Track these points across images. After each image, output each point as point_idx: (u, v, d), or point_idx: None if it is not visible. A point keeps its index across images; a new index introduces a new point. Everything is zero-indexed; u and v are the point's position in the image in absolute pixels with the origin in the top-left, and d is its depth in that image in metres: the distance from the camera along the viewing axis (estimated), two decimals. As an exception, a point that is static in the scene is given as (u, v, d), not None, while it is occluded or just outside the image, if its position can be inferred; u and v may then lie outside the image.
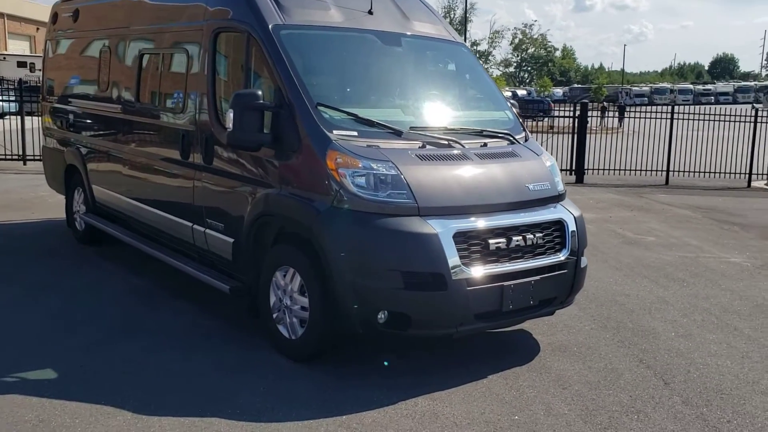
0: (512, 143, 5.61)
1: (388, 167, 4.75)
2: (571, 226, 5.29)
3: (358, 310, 4.63)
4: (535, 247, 5.03)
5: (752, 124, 16.49)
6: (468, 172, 5.04)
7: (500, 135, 5.62)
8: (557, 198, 5.43)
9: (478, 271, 4.69)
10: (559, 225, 5.23)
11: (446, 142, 5.20)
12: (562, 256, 5.16)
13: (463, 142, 5.29)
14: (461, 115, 5.87)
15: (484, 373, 4.96)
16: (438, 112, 5.71)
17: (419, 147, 5.07)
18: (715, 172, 16.57)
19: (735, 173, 16.61)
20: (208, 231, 5.85)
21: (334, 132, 4.91)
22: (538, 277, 4.99)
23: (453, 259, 4.58)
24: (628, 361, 5.30)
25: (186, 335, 5.55)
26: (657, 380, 4.95)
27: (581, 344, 5.62)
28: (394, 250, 4.57)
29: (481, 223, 4.81)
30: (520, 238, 4.94)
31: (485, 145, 5.42)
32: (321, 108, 5.01)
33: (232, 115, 4.98)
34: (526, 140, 5.76)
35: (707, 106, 22.87)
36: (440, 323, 4.68)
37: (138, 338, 5.45)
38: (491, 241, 4.78)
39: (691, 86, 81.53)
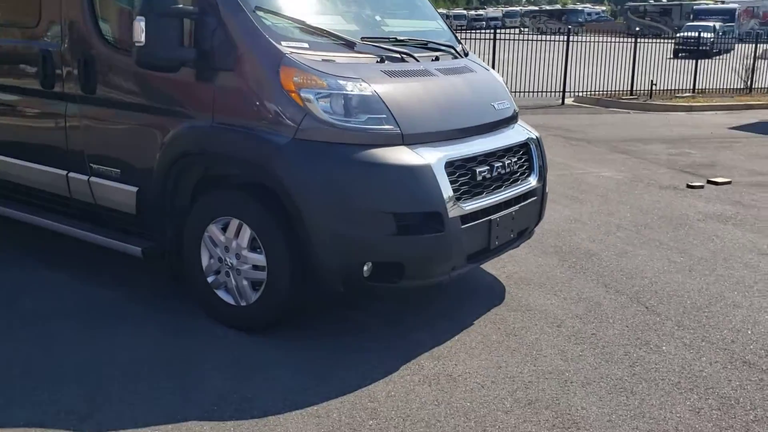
0: (456, 57, 4.91)
1: (361, 86, 3.87)
2: (535, 149, 4.78)
3: (339, 265, 3.78)
4: (511, 174, 4.45)
5: (565, 44, 17.17)
6: (439, 90, 4.30)
7: (443, 48, 4.89)
8: (515, 118, 4.87)
9: (469, 205, 4.02)
10: (526, 147, 4.69)
11: (399, 56, 4.38)
12: (533, 182, 4.64)
13: (416, 55, 4.50)
14: (399, 24, 5.04)
15: (469, 320, 4.38)
16: (378, 20, 4.83)
17: (377, 62, 4.22)
18: (532, 92, 17.04)
19: (550, 92, 17.22)
20: (94, 180, 4.57)
21: (283, 44, 3.91)
22: (517, 207, 4.43)
23: (447, 194, 3.86)
24: (594, 287, 4.99)
25: (93, 313, 4.31)
26: (638, 306, 4.68)
27: (538, 273, 5.22)
28: (383, 189, 3.76)
29: (465, 149, 4.12)
30: (500, 164, 4.33)
31: (437, 59, 4.67)
32: (260, 13, 3.96)
33: (142, 24, 3.78)
34: (466, 54, 5.09)
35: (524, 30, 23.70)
36: (436, 270, 3.97)
37: (37, 324, 4.15)
38: (477, 170, 4.12)
39: (465, 12, 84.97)
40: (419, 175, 3.78)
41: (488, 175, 4.20)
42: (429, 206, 3.79)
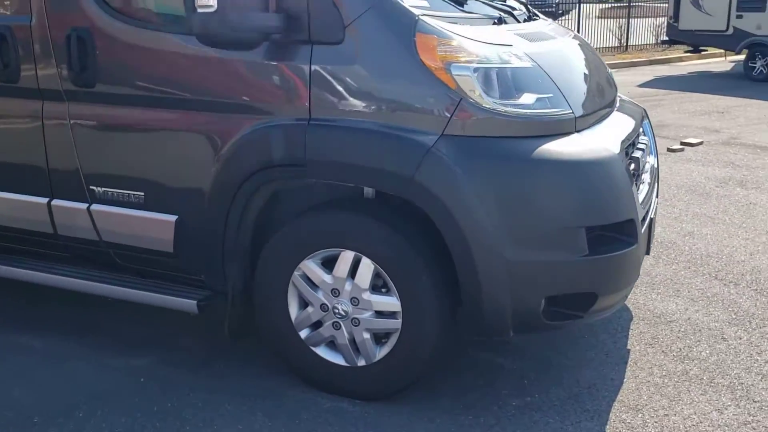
0: (533, 18, 3.94)
1: (518, 55, 2.83)
2: (648, 121, 3.97)
3: (515, 301, 2.75)
4: (645, 161, 3.60)
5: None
6: (573, 57, 3.37)
7: (517, 7, 3.90)
8: (615, 88, 4.02)
9: (642, 206, 3.12)
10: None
11: (498, 15, 3.36)
12: (654, 163, 3.82)
13: (515, 13, 3.53)
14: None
15: (616, 344, 3.52)
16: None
17: (494, 23, 3.19)
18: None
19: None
20: (97, 208, 3.22)
21: (407, 3, 2.79)
22: (654, 199, 3.59)
23: (635, 192, 2.94)
24: (707, 281, 4.28)
25: (135, 395, 3.02)
26: (774, 300, 4.04)
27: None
28: (572, 196, 2.73)
29: (620, 131, 3.19)
30: (644, 145, 3.47)
31: (530, 18, 3.71)
32: (367, -39, 2.81)
33: (211, -19, 2.52)
34: (535, 15, 4.14)
35: None
36: (624, 294, 3.03)
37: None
38: (639, 156, 3.22)
39: None
40: (611, 172, 2.81)
41: (643, 161, 3.32)
42: (625, 213, 2.82)
